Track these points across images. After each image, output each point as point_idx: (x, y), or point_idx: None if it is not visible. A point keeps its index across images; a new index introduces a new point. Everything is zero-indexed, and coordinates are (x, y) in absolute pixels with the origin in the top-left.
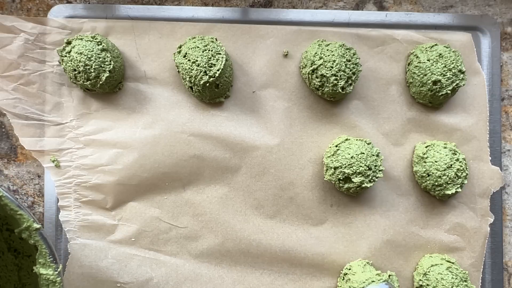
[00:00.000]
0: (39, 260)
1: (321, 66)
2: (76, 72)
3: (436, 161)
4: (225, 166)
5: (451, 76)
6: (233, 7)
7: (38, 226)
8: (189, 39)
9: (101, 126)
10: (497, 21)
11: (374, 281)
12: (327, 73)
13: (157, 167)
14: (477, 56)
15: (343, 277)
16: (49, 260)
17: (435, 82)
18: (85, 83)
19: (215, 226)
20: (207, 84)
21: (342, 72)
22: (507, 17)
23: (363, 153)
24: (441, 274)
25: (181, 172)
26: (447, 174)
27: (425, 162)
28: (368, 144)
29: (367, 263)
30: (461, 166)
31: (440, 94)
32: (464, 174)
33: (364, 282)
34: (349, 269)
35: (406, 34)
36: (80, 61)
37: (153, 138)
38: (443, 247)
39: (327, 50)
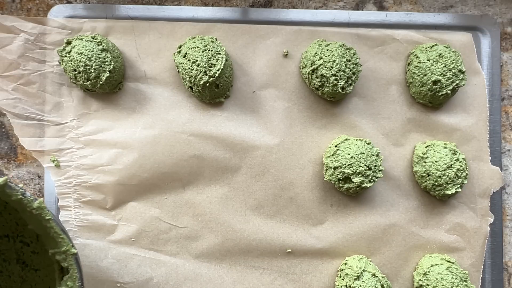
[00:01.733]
0: (68, 283)
1: (321, 66)
2: (76, 72)
3: (436, 161)
4: (225, 166)
5: (451, 76)
6: (233, 7)
7: (75, 251)
8: (189, 39)
9: (101, 126)
10: (497, 21)
11: None
12: (327, 73)
13: (157, 167)
14: (477, 56)
15: (340, 274)
16: (77, 284)
17: (435, 82)
18: (85, 83)
19: (215, 226)
20: (207, 84)
21: (342, 72)
22: (507, 17)
23: (363, 153)
24: (441, 274)
25: (181, 172)
26: (447, 174)
27: (425, 162)
28: (368, 144)
29: (364, 257)
30: (461, 166)
31: (440, 94)
32: (464, 174)
33: (358, 271)
34: (345, 264)
35: (406, 34)
36: (80, 61)
37: (153, 138)
38: (443, 247)
39: (327, 50)
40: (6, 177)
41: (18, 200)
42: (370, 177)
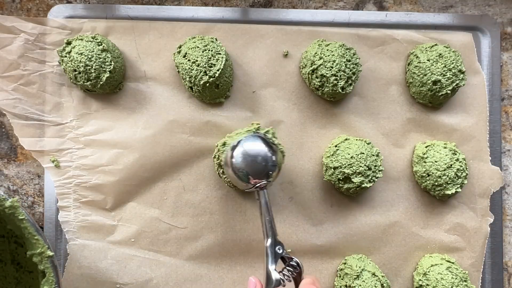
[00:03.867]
0: (44, 287)
1: (321, 66)
2: (76, 72)
3: (436, 161)
4: None
5: (451, 76)
6: (233, 7)
7: (51, 253)
8: (189, 39)
9: (101, 126)
10: (497, 21)
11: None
12: (327, 73)
13: (157, 167)
14: (477, 56)
15: (339, 274)
16: None
17: (435, 82)
18: (85, 83)
19: (215, 226)
20: (207, 84)
21: (342, 72)
22: (507, 17)
23: (363, 153)
24: (441, 274)
25: (181, 172)
26: (447, 174)
27: (425, 162)
28: (368, 144)
29: (363, 256)
30: (461, 166)
31: (440, 94)
32: (464, 174)
33: (357, 270)
34: (345, 263)
35: (406, 34)
36: (80, 61)
37: (153, 138)
38: (443, 247)
39: (327, 50)
40: None
41: None
42: (370, 177)
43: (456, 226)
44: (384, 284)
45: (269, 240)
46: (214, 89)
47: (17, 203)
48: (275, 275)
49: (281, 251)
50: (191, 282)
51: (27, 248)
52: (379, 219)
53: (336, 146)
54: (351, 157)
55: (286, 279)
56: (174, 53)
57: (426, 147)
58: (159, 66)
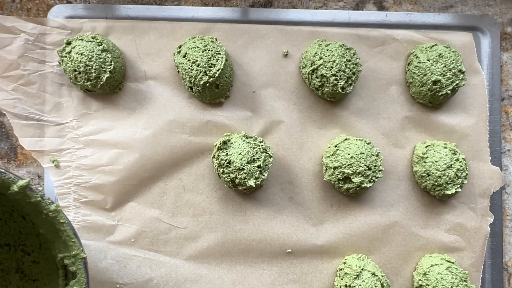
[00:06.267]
0: (74, 287)
1: (321, 66)
2: (76, 72)
3: (436, 161)
4: None
5: (451, 76)
6: (233, 7)
7: (84, 255)
8: (189, 39)
9: (101, 126)
10: (497, 21)
11: None
12: (327, 73)
13: (157, 167)
14: (477, 56)
15: (339, 274)
16: None
17: (435, 82)
18: (85, 83)
19: (215, 226)
20: (207, 84)
21: (342, 72)
22: (507, 17)
23: (363, 153)
24: (441, 274)
25: (181, 172)
26: (447, 174)
27: (425, 162)
28: (368, 144)
29: (363, 256)
30: (461, 166)
31: (440, 94)
32: (464, 174)
33: (357, 270)
34: (344, 263)
35: (406, 34)
36: (80, 61)
37: (153, 138)
38: (443, 247)
39: (327, 50)
40: (28, 179)
41: (37, 202)
42: (370, 177)
43: (456, 226)
44: (384, 284)
45: None
46: (214, 89)
47: (59, 207)
48: None
49: None
50: (191, 282)
51: (53, 252)
52: (379, 219)
53: (336, 146)
54: (351, 157)
55: None
56: (174, 53)
57: (426, 147)
58: (159, 66)
